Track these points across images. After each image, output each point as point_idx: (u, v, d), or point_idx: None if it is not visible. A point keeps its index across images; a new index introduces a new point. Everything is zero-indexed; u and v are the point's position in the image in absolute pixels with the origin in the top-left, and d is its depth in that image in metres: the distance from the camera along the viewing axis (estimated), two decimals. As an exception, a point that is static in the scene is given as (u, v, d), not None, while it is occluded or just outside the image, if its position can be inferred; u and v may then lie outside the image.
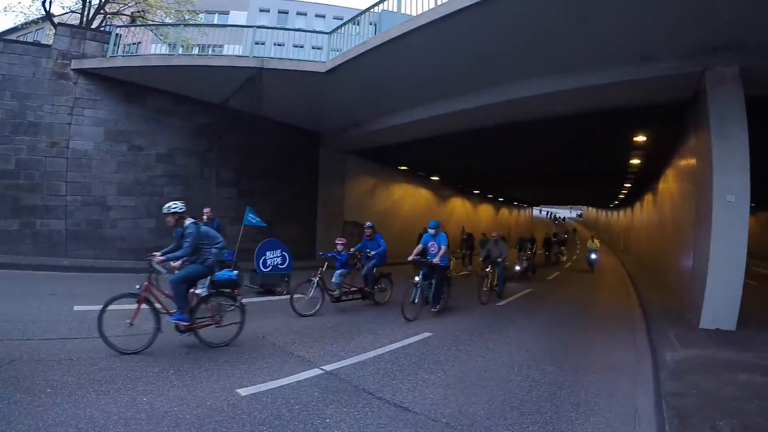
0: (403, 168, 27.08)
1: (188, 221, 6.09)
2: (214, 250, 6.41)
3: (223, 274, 7.06)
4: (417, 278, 9.25)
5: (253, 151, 16.54)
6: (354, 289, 10.11)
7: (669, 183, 16.93)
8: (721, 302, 8.60)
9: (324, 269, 9.21)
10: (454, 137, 16.47)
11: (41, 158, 12.34)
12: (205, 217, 9.93)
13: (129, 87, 13.67)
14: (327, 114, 16.50)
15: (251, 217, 11.58)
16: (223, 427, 3.89)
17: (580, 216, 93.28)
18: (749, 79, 8.68)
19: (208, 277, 6.86)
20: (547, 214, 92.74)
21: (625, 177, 25.09)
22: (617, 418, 4.78)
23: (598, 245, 24.87)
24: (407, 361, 6.33)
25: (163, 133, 14.37)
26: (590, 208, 76.85)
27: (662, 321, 9.53)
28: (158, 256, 5.91)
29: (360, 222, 19.36)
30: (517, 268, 17.54)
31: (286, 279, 10.93)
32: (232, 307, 6.78)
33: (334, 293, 9.55)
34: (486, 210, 47.25)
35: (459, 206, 38.44)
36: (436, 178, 31.51)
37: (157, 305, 5.89)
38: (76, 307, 7.44)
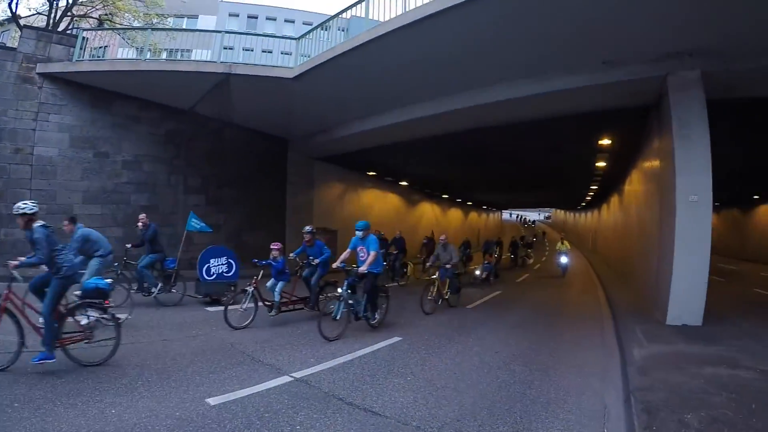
0: (371, 173, 27.21)
1: (37, 224, 5.31)
2: (70, 257, 5.88)
3: (90, 282, 6.27)
4: (340, 290, 8.01)
5: (221, 157, 16.44)
6: (295, 299, 9.26)
7: (634, 184, 17.37)
8: (686, 299, 8.93)
9: (260, 278, 8.60)
10: (422, 142, 16.64)
11: (5, 165, 12.04)
12: (140, 223, 9.73)
13: (95, 92, 13.44)
14: (295, 120, 16.49)
15: (194, 223, 11.06)
16: (193, 438, 3.90)
17: (548, 218, 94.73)
18: (710, 82, 9.07)
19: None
20: (517, 217, 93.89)
21: (591, 179, 25.59)
22: (587, 415, 4.90)
23: (569, 247, 23.40)
24: (377, 366, 6.38)
25: (129, 140, 14.17)
26: (558, 211, 78.10)
27: (630, 319, 9.78)
28: (13, 262, 5.21)
29: (330, 228, 19.40)
30: (477, 272, 17.37)
31: (233, 287, 10.17)
32: (107, 321, 5.90)
33: (270, 304, 8.70)
34: (455, 214, 47.73)
35: (428, 211, 38.77)
36: (405, 184, 31.75)
37: (22, 319, 5.27)
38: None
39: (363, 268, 8.15)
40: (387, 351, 7.26)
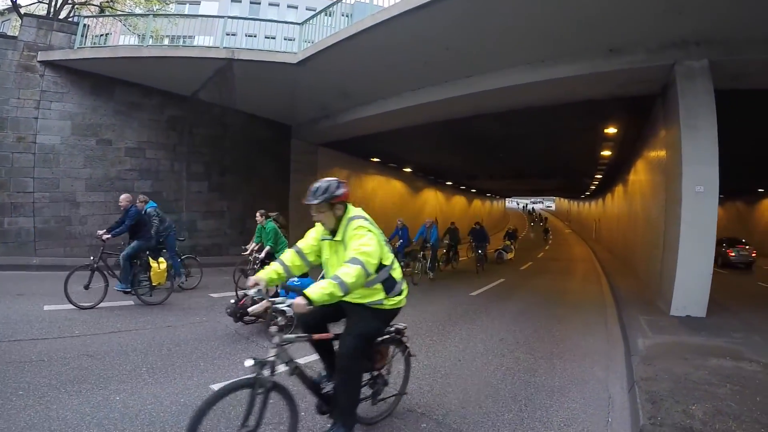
0: (375, 160, 27.09)
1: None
2: None
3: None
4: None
5: (223, 143, 16.40)
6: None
7: (639, 174, 17.26)
8: (691, 290, 8.88)
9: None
10: (426, 129, 16.55)
11: (7, 154, 12.03)
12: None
13: (97, 79, 13.38)
14: (299, 106, 16.42)
15: None
16: (198, 424, 3.89)
17: (552, 207, 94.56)
18: (718, 72, 8.94)
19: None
20: (524, 207, 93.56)
21: (596, 168, 25.48)
22: (591, 404, 4.89)
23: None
24: (381, 353, 6.37)
25: (132, 127, 14.13)
26: (562, 199, 77.88)
27: (633, 309, 9.73)
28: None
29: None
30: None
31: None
32: None
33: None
34: (459, 201, 47.65)
35: (432, 198, 38.69)
36: (409, 170, 31.64)
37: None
38: (46, 307, 7.30)
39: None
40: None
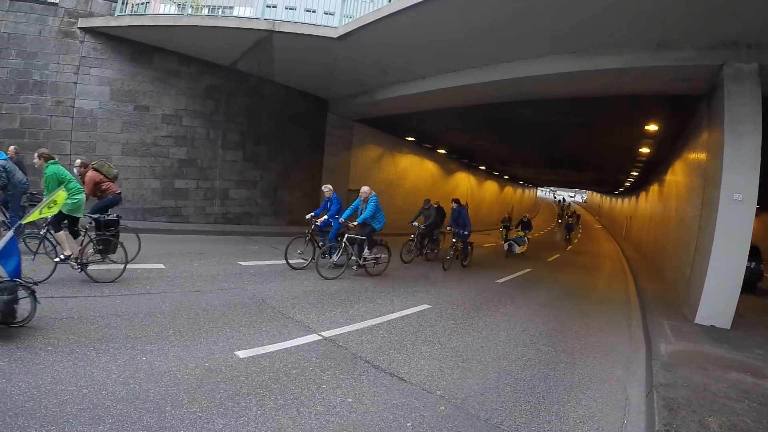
0: (409, 139, 26.84)
1: None
2: None
3: None
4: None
5: (259, 114, 16.39)
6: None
7: (677, 175, 16.73)
8: (718, 300, 8.58)
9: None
10: (463, 111, 16.25)
11: (46, 117, 12.20)
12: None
13: (136, 46, 13.45)
14: (336, 80, 16.28)
15: None
16: (221, 389, 3.94)
17: (583, 200, 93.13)
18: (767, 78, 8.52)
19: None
20: (561, 201, 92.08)
21: (633, 165, 24.82)
22: (608, 404, 4.84)
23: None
24: (405, 332, 6.38)
25: (169, 94, 14.21)
26: (594, 193, 76.57)
27: (658, 312, 9.53)
28: None
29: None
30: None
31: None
32: None
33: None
34: (491, 187, 47.15)
35: (464, 181, 38.31)
36: (443, 152, 31.30)
37: None
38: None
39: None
40: (415, 318, 7.25)
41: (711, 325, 8.51)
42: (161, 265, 8.24)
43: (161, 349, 4.61)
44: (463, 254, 13.83)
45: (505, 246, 19.22)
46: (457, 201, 14.37)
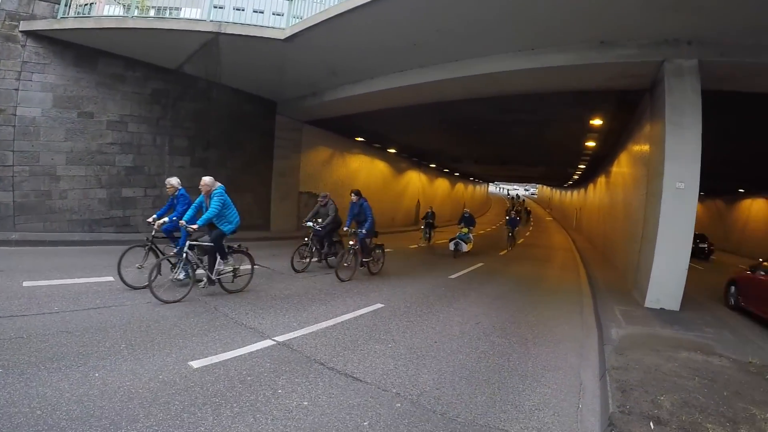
0: (359, 139, 27.04)
1: None
2: None
3: None
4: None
5: (207, 118, 16.16)
6: None
7: (622, 166, 17.46)
8: (666, 283, 9.14)
9: None
10: (413, 110, 16.50)
11: (-14, 127, 11.77)
12: None
13: (80, 50, 13.03)
14: (285, 82, 16.21)
15: None
16: (176, 400, 3.97)
17: (534, 194, 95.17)
18: (707, 73, 9.08)
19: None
20: (515, 196, 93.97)
21: (580, 158, 25.71)
22: (563, 390, 5.07)
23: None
24: (359, 332, 6.52)
25: (114, 100, 13.84)
26: (545, 187, 78.38)
27: (609, 299, 9.99)
28: None
29: (315, 193, 19.40)
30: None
31: None
32: None
33: None
34: (442, 184, 47.85)
35: (415, 179, 38.81)
36: (393, 151, 31.67)
37: None
38: (25, 283, 7.16)
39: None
40: (369, 317, 7.41)
41: (661, 308, 9.05)
42: (110, 278, 8.06)
43: (114, 364, 4.60)
44: (363, 259, 11.30)
45: (451, 246, 17.73)
46: (357, 193, 11.78)
